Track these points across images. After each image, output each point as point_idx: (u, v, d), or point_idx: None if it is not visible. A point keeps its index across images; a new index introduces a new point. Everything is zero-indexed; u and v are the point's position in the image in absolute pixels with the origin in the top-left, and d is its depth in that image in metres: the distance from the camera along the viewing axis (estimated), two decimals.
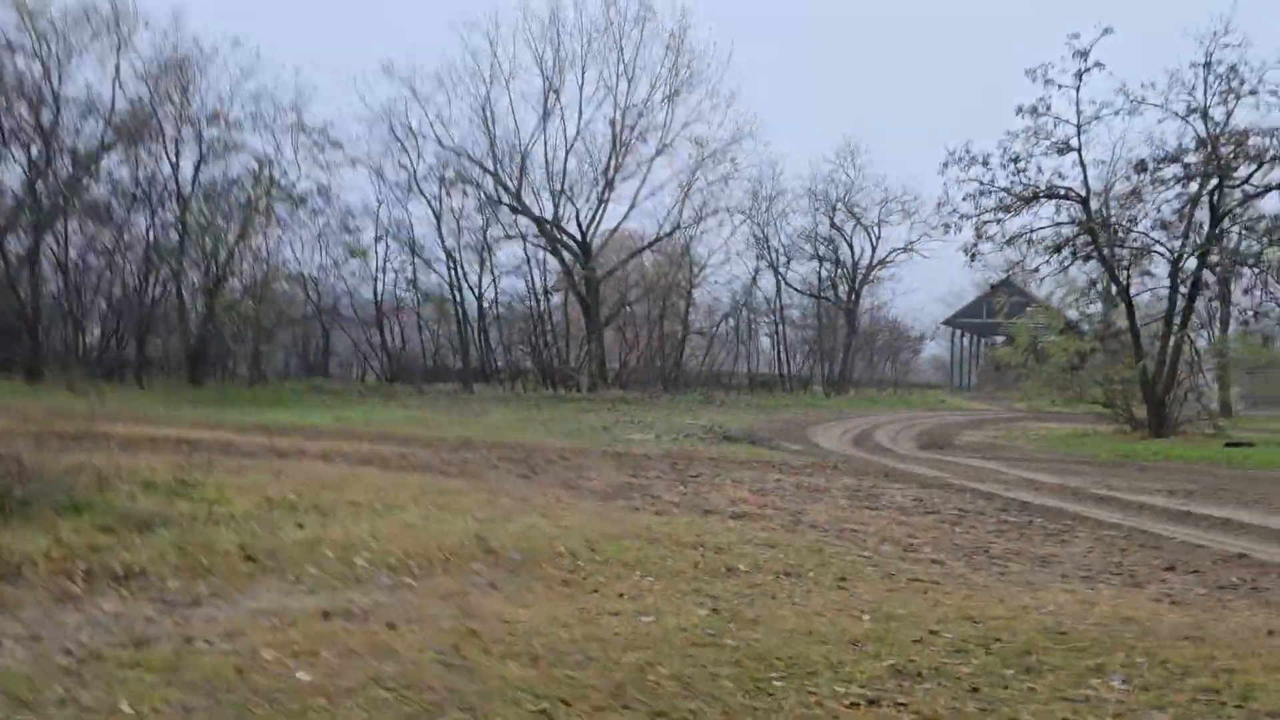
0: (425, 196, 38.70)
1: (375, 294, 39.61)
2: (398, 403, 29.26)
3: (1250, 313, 22.89)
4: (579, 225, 40.01)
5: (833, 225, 47.79)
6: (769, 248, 46.14)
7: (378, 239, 39.12)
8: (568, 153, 39.13)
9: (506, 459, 12.25)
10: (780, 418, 28.43)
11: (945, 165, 22.54)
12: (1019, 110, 21.37)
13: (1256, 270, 21.93)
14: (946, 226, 23.22)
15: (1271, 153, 20.49)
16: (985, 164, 22.04)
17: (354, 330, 40.64)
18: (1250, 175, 20.78)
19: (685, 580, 5.27)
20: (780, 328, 48.72)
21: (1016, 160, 21.73)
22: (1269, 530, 8.77)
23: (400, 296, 40.31)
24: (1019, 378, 31.77)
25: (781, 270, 47.76)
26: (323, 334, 40.00)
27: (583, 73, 38.41)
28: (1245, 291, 22.31)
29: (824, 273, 49.08)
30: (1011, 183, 22.03)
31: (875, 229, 47.71)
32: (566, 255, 40.86)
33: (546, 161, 39.30)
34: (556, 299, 43.07)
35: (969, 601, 4.93)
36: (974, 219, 22.50)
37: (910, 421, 29.10)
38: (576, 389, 38.00)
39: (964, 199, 22.52)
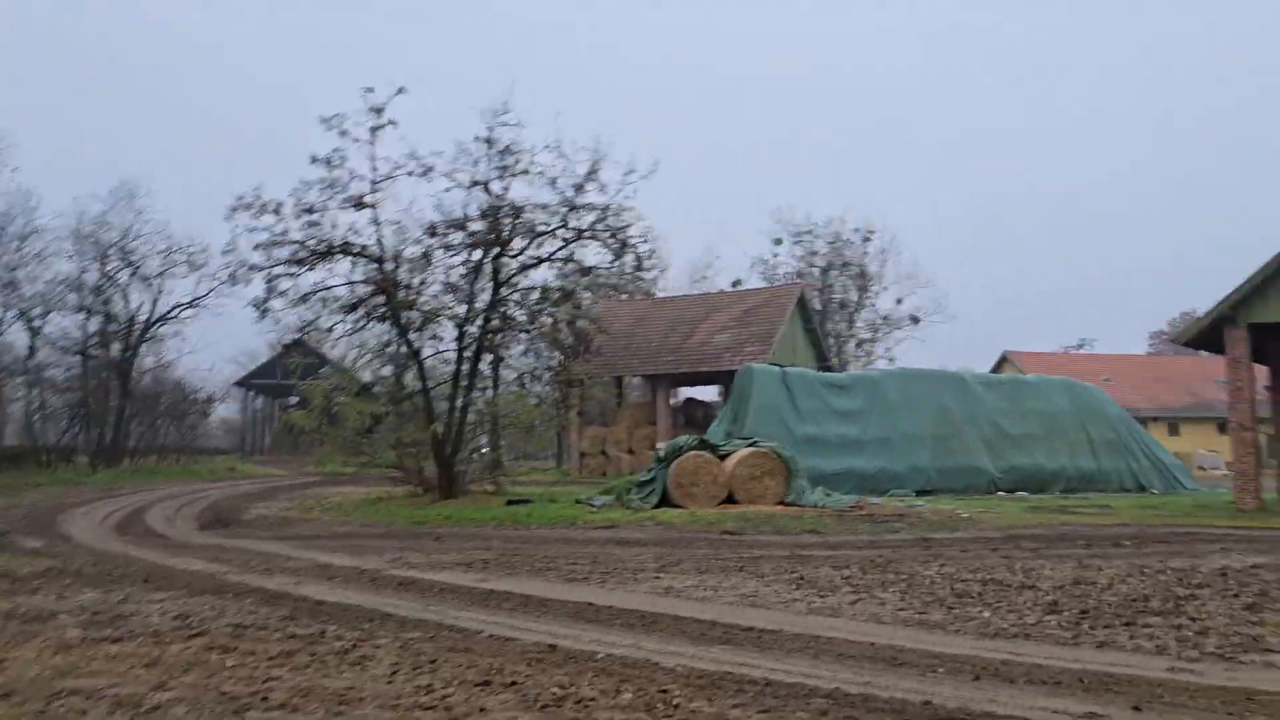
0: None
1: None
2: None
3: (525, 375, 24.64)
4: None
5: (104, 274, 42.20)
6: (20, 295, 39.12)
7: None
8: None
9: None
10: (26, 501, 23.24)
11: (233, 211, 20.55)
12: (314, 159, 20.34)
13: (529, 335, 23.65)
14: (234, 278, 21.12)
15: (540, 228, 22.30)
16: (278, 213, 20.55)
17: None
18: (525, 248, 22.34)
19: None
20: (36, 391, 41.33)
21: (311, 211, 20.60)
22: (566, 605, 8.39)
23: None
24: (314, 441, 30.63)
25: (37, 323, 40.76)
26: None
27: None
28: (523, 354, 23.95)
29: (93, 328, 43.04)
30: (305, 235, 20.79)
31: (157, 281, 43.27)
32: None
33: None
34: None
35: None
36: (265, 271, 20.77)
37: (194, 495, 25.95)
38: None
39: (255, 249, 20.69)
